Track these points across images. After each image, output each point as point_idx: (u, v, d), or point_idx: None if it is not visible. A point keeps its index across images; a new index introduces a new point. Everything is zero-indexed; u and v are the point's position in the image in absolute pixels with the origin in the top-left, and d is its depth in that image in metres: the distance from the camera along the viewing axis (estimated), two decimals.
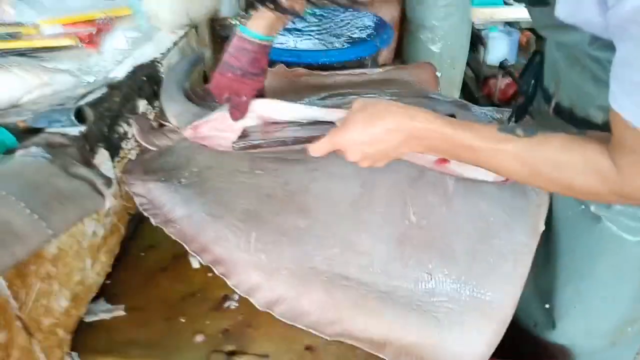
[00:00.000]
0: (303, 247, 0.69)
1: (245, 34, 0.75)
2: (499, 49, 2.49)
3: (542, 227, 0.80)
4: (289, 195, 0.74)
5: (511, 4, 2.36)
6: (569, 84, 0.69)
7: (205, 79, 1.22)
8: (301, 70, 1.13)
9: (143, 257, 0.86)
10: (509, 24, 2.86)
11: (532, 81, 0.84)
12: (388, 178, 0.76)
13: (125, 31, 1.07)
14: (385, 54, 1.83)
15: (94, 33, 1.04)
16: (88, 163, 0.67)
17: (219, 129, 0.77)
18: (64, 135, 0.67)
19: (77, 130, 0.69)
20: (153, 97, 0.92)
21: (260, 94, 0.78)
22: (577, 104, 0.69)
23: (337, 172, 0.76)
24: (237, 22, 0.77)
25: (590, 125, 0.66)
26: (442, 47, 1.82)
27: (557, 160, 0.55)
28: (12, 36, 1.04)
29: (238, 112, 0.74)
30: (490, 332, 0.69)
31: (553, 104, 0.74)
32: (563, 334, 0.83)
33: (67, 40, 1.02)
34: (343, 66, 1.21)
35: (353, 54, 1.25)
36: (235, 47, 0.76)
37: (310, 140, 0.67)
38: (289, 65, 1.14)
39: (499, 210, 0.80)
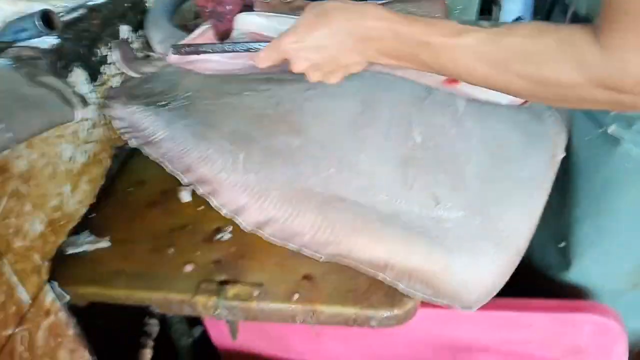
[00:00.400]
0: (296, 167, 0.63)
1: None
2: (514, 9, 2.38)
3: (562, 154, 0.73)
4: (281, 114, 0.68)
5: None
6: None
7: (196, 15, 1.16)
8: (299, 1, 1.05)
9: (131, 192, 0.81)
10: None
11: None
12: (391, 96, 0.70)
13: None
14: None
15: None
16: (59, 77, 0.61)
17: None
18: (34, 48, 0.62)
19: (48, 43, 0.64)
20: (137, 25, 0.86)
21: (247, 6, 0.71)
22: (594, 9, 0.61)
23: (335, 90, 0.69)
24: None
25: None
26: None
27: (525, 48, 0.46)
28: None
29: (222, 24, 0.67)
30: (502, 262, 0.63)
31: (569, 14, 0.66)
32: (579, 275, 0.76)
33: None
34: None
35: None
36: None
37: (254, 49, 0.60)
38: None
39: (514, 135, 0.73)
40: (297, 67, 0.56)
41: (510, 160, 0.70)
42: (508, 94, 0.52)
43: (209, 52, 0.65)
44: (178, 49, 0.66)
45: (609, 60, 0.41)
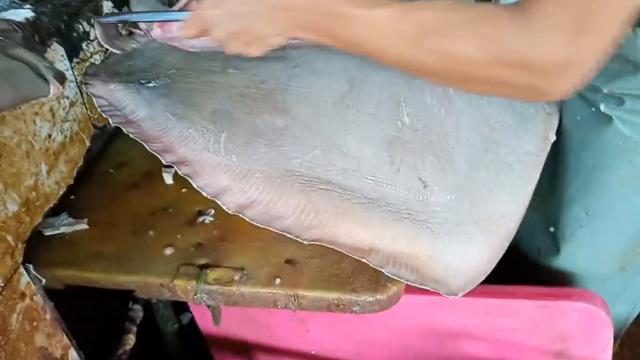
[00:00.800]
0: (280, 148, 0.61)
1: None
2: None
3: (553, 137, 0.72)
4: (266, 94, 0.66)
5: None
6: None
7: None
8: None
9: (112, 174, 0.79)
10: None
11: None
12: (380, 75, 0.68)
13: None
14: None
15: None
16: (35, 52, 0.59)
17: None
18: (6, 20, 0.59)
19: (22, 16, 0.61)
20: (121, 1, 0.83)
21: None
22: None
23: (322, 68, 0.67)
24: None
25: None
26: None
27: (437, 21, 0.43)
28: None
29: None
30: (490, 246, 0.62)
31: None
32: (568, 259, 0.75)
33: None
34: None
35: None
36: None
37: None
38: None
39: (505, 116, 0.71)
40: (214, 35, 0.53)
41: (500, 143, 0.69)
42: (419, 75, 0.49)
43: (135, 22, 0.63)
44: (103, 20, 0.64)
45: (523, 36, 0.39)
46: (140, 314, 0.81)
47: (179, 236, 0.67)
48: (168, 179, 0.76)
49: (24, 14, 0.62)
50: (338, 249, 0.56)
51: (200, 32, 0.54)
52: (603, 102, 0.62)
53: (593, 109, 0.64)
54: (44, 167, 0.64)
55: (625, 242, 0.69)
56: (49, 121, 0.65)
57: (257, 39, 0.51)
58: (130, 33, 0.83)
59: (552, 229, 0.75)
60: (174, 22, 0.57)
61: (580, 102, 0.66)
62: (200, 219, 0.70)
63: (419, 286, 0.56)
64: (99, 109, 0.65)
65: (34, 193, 0.62)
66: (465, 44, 0.41)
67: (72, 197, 0.73)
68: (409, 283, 0.56)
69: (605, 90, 0.61)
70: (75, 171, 0.71)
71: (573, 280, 0.76)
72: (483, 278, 0.60)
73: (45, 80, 0.54)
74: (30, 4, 0.64)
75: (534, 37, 0.39)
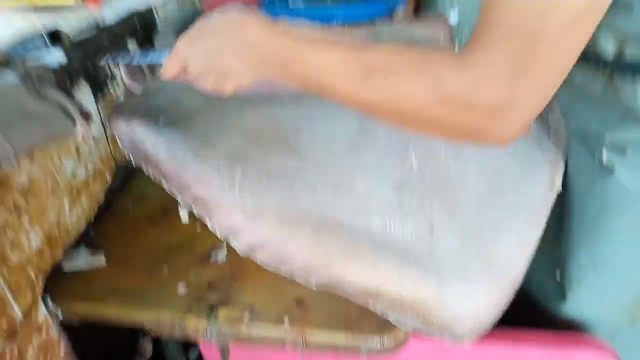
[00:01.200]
0: (292, 188, 0.63)
1: None
2: None
3: (560, 185, 0.73)
4: (280, 135, 0.68)
5: None
6: None
7: None
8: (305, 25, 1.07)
9: (130, 209, 0.82)
10: None
11: None
12: None
13: None
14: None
15: None
16: (65, 93, 0.62)
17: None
18: (41, 63, 0.64)
19: (56, 61, 0.66)
20: (147, 43, 0.88)
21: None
22: None
23: (334, 111, 0.70)
24: None
25: (602, 59, 0.59)
26: (461, 16, 1.73)
27: (387, 62, 0.44)
28: None
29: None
30: (498, 292, 0.62)
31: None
32: (575, 306, 0.74)
33: (68, 0, 1.00)
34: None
35: (364, 13, 1.19)
36: None
37: None
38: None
39: (512, 162, 0.72)
40: (190, 71, 0.55)
41: (507, 189, 0.70)
42: (369, 115, 0.49)
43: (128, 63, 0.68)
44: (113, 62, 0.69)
45: (464, 76, 0.40)
46: (150, 349, 0.82)
47: (192, 273, 0.69)
48: (184, 216, 0.79)
49: (57, 55, 0.67)
50: (345, 293, 0.57)
51: (180, 70, 0.57)
52: (605, 152, 0.63)
53: (596, 158, 0.65)
54: (67, 203, 0.67)
55: (633, 292, 0.69)
56: (74, 159, 0.68)
57: (227, 76, 0.53)
58: (152, 71, 0.88)
59: (558, 275, 0.75)
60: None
61: (583, 150, 0.67)
62: (213, 257, 0.72)
63: (426, 332, 0.56)
64: (121, 147, 0.68)
65: (56, 228, 0.65)
66: (409, 84, 0.43)
67: (91, 231, 0.76)
68: (415, 329, 0.57)
69: (607, 140, 0.62)
70: (96, 206, 0.74)
71: (582, 328, 0.75)
72: (490, 325, 0.60)
73: (74, 120, 0.58)
74: (61, 45, 0.68)
75: (474, 78, 0.39)
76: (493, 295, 0.61)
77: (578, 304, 0.73)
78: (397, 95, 0.44)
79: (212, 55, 0.53)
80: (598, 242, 0.67)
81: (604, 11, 0.37)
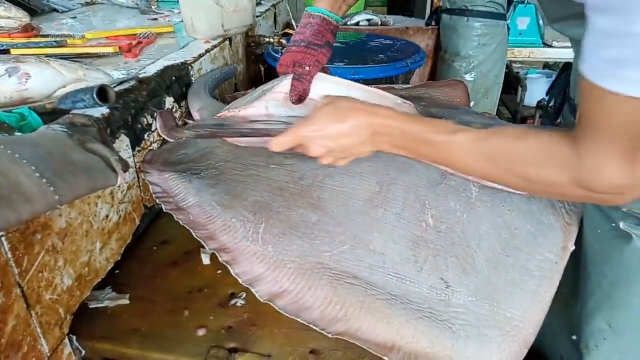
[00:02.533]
0: (312, 241, 0.66)
1: (309, 10, 0.79)
2: (538, 91, 2.46)
3: (572, 247, 0.74)
4: (302, 189, 0.72)
5: (551, 45, 2.35)
6: None
7: (236, 90, 1.25)
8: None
9: (155, 251, 0.85)
10: (549, 66, 2.85)
11: (560, 93, 0.80)
12: (407, 178, 0.74)
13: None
14: (418, 81, 1.83)
15: (133, 44, 1.09)
16: (106, 144, 0.67)
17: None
18: (86, 116, 0.69)
19: (99, 112, 0.71)
20: (181, 97, 0.94)
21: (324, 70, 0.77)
22: None
23: (355, 168, 0.74)
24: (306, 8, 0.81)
25: None
26: (476, 76, 1.80)
27: (510, 147, 0.53)
28: (58, 43, 1.10)
29: (300, 83, 0.72)
30: (510, 351, 0.63)
31: (578, 114, 0.71)
32: None
33: (108, 49, 1.07)
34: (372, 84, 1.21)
35: (383, 72, 1.25)
36: (302, 24, 0.79)
37: (273, 133, 0.66)
38: None
39: (525, 223, 0.75)
40: (313, 152, 0.63)
41: (520, 249, 0.72)
42: (503, 185, 0.59)
43: (222, 135, 0.74)
44: (196, 129, 0.74)
45: (584, 165, 0.48)
46: None
47: (211, 317, 0.71)
48: (205, 259, 0.82)
49: (101, 110, 0.72)
50: (360, 345, 0.59)
51: (293, 146, 0.65)
52: (622, 220, 0.65)
53: (613, 225, 0.67)
54: (98, 245, 0.71)
55: None
56: (108, 203, 0.72)
57: (352, 155, 0.64)
58: (185, 124, 0.93)
59: (574, 337, 0.75)
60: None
61: (601, 216, 0.69)
62: (233, 302, 0.74)
63: None
64: (154, 195, 0.72)
65: (86, 268, 0.68)
66: (538, 170, 0.52)
67: (116, 271, 0.79)
68: None
69: (624, 209, 0.64)
70: (123, 248, 0.78)
71: None
72: None
73: (115, 171, 0.62)
74: (106, 100, 0.73)
75: (593, 167, 0.47)
76: (505, 354, 0.62)
77: None
78: (525, 177, 0.53)
79: (342, 143, 0.62)
80: (616, 308, 0.68)
81: None
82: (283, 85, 0.73)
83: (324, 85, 0.73)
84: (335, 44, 0.81)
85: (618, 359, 0.72)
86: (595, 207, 0.71)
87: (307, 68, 0.73)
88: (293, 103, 0.73)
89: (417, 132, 0.59)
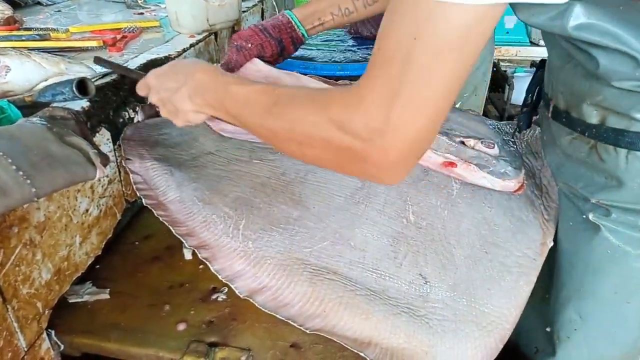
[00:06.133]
0: (293, 237, 0.67)
1: (286, 12, 0.87)
2: (525, 89, 2.47)
3: (551, 243, 0.76)
4: (284, 185, 0.72)
5: (537, 44, 2.37)
6: (563, 84, 0.67)
7: None
8: (314, 78, 1.13)
9: (136, 246, 0.85)
10: (536, 65, 2.87)
11: (536, 89, 0.81)
12: None
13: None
14: None
15: (118, 38, 1.08)
16: (86, 138, 0.67)
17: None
18: (66, 109, 0.68)
19: (79, 105, 0.70)
20: None
21: (263, 61, 0.83)
22: (571, 104, 0.66)
23: None
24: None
25: (587, 126, 0.63)
26: None
27: (291, 93, 0.52)
28: (41, 37, 1.09)
29: (236, 54, 0.80)
30: (486, 347, 0.64)
31: (551, 107, 0.71)
32: None
33: (92, 43, 1.06)
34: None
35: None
36: (273, 17, 0.87)
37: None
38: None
39: (505, 220, 0.76)
40: (151, 98, 0.68)
41: (499, 245, 0.73)
42: (270, 142, 0.55)
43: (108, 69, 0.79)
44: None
45: (347, 99, 0.43)
46: None
47: (192, 312, 0.72)
48: (187, 254, 0.82)
49: (81, 103, 0.72)
50: (338, 341, 0.59)
51: (144, 94, 0.70)
52: (591, 212, 0.66)
53: (583, 217, 0.68)
54: (77, 239, 0.70)
55: (620, 349, 0.71)
56: (88, 197, 0.72)
57: (179, 112, 0.63)
58: None
59: (548, 329, 0.77)
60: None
61: (572, 209, 0.71)
62: (214, 296, 0.74)
63: None
64: (134, 186, 0.72)
65: (65, 263, 0.68)
66: (303, 110, 0.48)
67: (97, 266, 0.79)
68: None
69: (593, 200, 0.65)
70: (104, 242, 0.77)
71: None
72: None
73: (94, 164, 0.62)
74: (86, 93, 0.73)
75: (353, 102, 0.42)
76: (481, 349, 0.63)
77: (567, 358, 0.74)
78: (292, 119, 0.49)
79: (168, 92, 0.64)
80: (585, 298, 0.70)
81: (480, 47, 0.39)
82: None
83: (251, 67, 0.81)
84: (321, 40, 0.84)
85: (588, 349, 0.73)
86: (568, 199, 0.73)
87: (250, 46, 0.81)
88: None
89: (223, 84, 0.58)
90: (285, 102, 0.50)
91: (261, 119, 0.53)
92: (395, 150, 0.42)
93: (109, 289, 0.74)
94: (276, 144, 0.54)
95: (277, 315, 0.60)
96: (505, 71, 2.51)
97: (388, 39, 0.40)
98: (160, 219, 0.68)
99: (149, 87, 0.69)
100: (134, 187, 0.74)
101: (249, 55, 0.82)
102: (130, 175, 0.75)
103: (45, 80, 0.85)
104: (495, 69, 1.93)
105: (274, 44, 0.84)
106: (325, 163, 0.51)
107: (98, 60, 0.78)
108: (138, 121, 0.85)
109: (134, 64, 0.90)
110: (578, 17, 0.49)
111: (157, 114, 0.89)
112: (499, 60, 2.25)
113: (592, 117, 0.62)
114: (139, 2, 1.54)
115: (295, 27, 0.85)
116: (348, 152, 0.44)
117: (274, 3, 1.71)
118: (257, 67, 0.82)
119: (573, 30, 0.50)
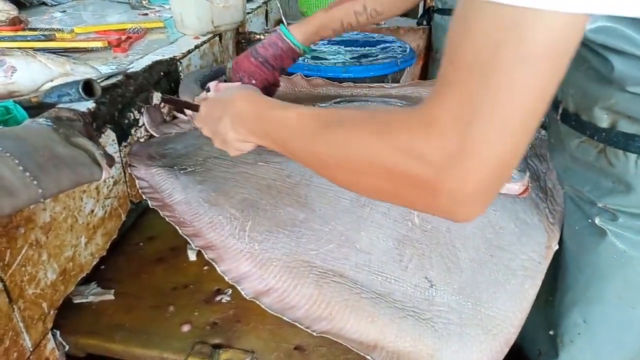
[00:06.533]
0: (299, 239, 0.67)
1: (282, 32, 0.84)
2: None
3: (556, 246, 0.76)
4: (290, 187, 0.72)
5: None
6: (574, 87, 0.66)
7: None
8: (319, 80, 1.13)
9: (141, 247, 0.85)
10: None
11: None
12: None
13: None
14: (409, 81, 1.83)
15: (123, 39, 1.08)
16: (92, 139, 0.67)
17: None
18: (72, 110, 0.68)
19: (85, 106, 0.71)
20: (169, 92, 0.94)
21: (269, 91, 0.80)
22: (582, 107, 0.66)
23: None
24: (283, 24, 0.87)
25: (596, 130, 0.63)
26: None
27: (344, 114, 0.45)
28: (46, 37, 1.09)
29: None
30: (491, 350, 0.64)
31: (560, 110, 0.71)
32: None
33: (97, 43, 1.06)
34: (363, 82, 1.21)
35: (373, 71, 1.25)
36: (269, 41, 0.85)
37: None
38: (308, 77, 1.16)
39: (510, 223, 0.76)
40: (203, 131, 0.66)
41: (504, 248, 0.73)
42: (319, 171, 0.48)
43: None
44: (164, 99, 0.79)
45: (417, 123, 0.36)
46: None
47: (196, 313, 0.71)
48: (192, 255, 0.82)
49: (87, 104, 0.72)
50: (344, 343, 0.59)
51: (200, 125, 0.68)
52: (598, 216, 0.66)
53: (589, 221, 0.68)
54: (83, 240, 0.70)
55: (624, 355, 0.70)
56: (94, 198, 0.72)
57: (226, 143, 0.61)
58: (174, 118, 0.93)
59: (552, 332, 0.76)
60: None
61: (578, 212, 0.70)
62: (218, 298, 0.74)
63: None
64: (140, 191, 0.72)
65: (71, 263, 0.68)
66: (361, 133, 0.41)
67: (102, 266, 0.79)
68: None
69: (599, 205, 0.65)
70: (109, 243, 0.77)
71: None
72: None
73: (99, 165, 0.62)
74: (92, 95, 0.73)
75: (425, 125, 0.36)
76: (486, 352, 0.63)
77: None
78: (346, 145, 0.42)
79: (214, 123, 0.62)
80: (590, 302, 0.70)
81: (568, 60, 0.34)
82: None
83: None
84: (327, 42, 0.85)
85: (591, 354, 0.73)
86: (573, 203, 0.73)
87: (254, 82, 0.83)
88: None
89: (264, 111, 0.54)
90: (335, 126, 0.44)
91: (310, 145, 0.47)
92: (474, 178, 0.35)
93: (113, 290, 0.74)
94: (326, 173, 0.47)
95: (284, 318, 0.60)
96: None
97: (462, 50, 0.34)
98: (167, 219, 0.68)
99: (201, 118, 0.66)
100: (140, 191, 0.74)
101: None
102: (136, 181, 0.75)
103: (51, 81, 0.85)
104: None
105: (276, 74, 0.86)
106: (384, 195, 0.43)
107: (166, 101, 0.80)
108: (144, 130, 0.86)
109: (138, 65, 0.90)
110: (596, 19, 0.49)
111: (162, 117, 0.90)
112: None
113: (603, 121, 0.61)
114: (144, 3, 1.55)
115: (296, 48, 0.85)
116: (414, 181, 0.37)
117: (279, 4, 1.71)
118: None
119: (590, 33, 0.50)
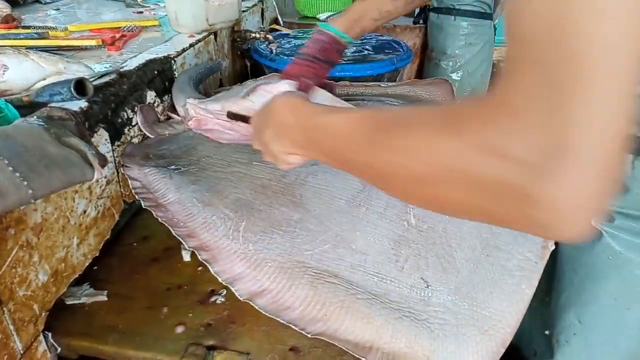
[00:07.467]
0: (293, 240, 0.66)
1: (322, 27, 0.83)
2: None
3: (552, 246, 0.75)
4: (285, 187, 0.72)
5: None
6: None
7: (221, 86, 1.24)
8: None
9: (134, 247, 0.84)
10: None
11: None
12: None
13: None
14: (405, 80, 1.83)
15: (117, 37, 1.07)
16: (84, 138, 0.66)
17: (223, 126, 0.76)
18: (64, 109, 0.68)
19: (77, 106, 0.70)
20: (163, 91, 0.93)
21: (323, 84, 0.80)
22: None
23: None
24: (323, 21, 0.87)
25: None
26: (463, 75, 1.81)
27: (403, 112, 0.38)
28: (39, 35, 1.08)
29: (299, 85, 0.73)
30: (488, 351, 0.64)
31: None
32: None
33: (91, 41, 1.05)
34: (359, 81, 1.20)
35: (369, 70, 1.25)
36: (312, 40, 0.83)
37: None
38: None
39: None
40: (254, 146, 0.63)
41: (501, 248, 0.72)
42: (376, 183, 0.42)
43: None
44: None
45: (487, 111, 0.29)
46: None
47: (190, 314, 0.71)
48: (186, 256, 0.81)
49: (79, 103, 0.71)
50: (339, 345, 0.59)
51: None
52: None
53: None
54: (75, 240, 0.69)
55: (619, 356, 0.70)
56: (86, 198, 0.71)
57: (275, 155, 0.57)
58: (168, 118, 0.92)
59: (547, 333, 0.76)
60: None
61: None
62: (213, 299, 0.74)
63: None
64: (133, 191, 0.71)
65: (63, 264, 0.67)
66: (421, 133, 0.33)
67: (95, 267, 0.78)
68: None
69: None
70: (101, 244, 0.76)
71: None
72: None
73: (91, 165, 0.61)
74: (84, 94, 0.72)
75: (504, 117, 0.28)
76: (483, 354, 0.63)
77: None
78: (408, 149, 0.34)
79: (260, 135, 0.58)
80: (585, 303, 0.69)
81: None
82: (280, 86, 0.72)
83: (318, 97, 0.76)
84: None
85: (586, 354, 0.73)
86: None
87: (308, 81, 0.78)
88: None
89: (312, 123, 0.48)
90: (390, 128, 0.36)
91: (363, 153, 0.39)
92: (580, 178, 0.26)
93: (106, 291, 0.74)
94: (384, 185, 0.40)
95: (278, 319, 0.60)
96: None
97: (530, 17, 0.27)
98: (160, 220, 0.67)
99: (252, 130, 0.63)
100: (133, 191, 0.73)
101: (309, 89, 0.77)
102: (129, 181, 0.74)
103: (44, 80, 0.84)
104: (494, 70, 1.93)
105: (328, 67, 0.83)
106: (459, 207, 0.34)
107: (232, 117, 0.77)
108: (137, 130, 0.85)
109: (132, 63, 0.89)
110: None
111: (156, 116, 0.89)
112: (498, 61, 2.25)
113: None
114: (138, 0, 1.54)
115: (340, 39, 0.82)
116: (501, 187, 0.29)
117: (274, 3, 1.70)
118: (320, 95, 0.77)
119: None
